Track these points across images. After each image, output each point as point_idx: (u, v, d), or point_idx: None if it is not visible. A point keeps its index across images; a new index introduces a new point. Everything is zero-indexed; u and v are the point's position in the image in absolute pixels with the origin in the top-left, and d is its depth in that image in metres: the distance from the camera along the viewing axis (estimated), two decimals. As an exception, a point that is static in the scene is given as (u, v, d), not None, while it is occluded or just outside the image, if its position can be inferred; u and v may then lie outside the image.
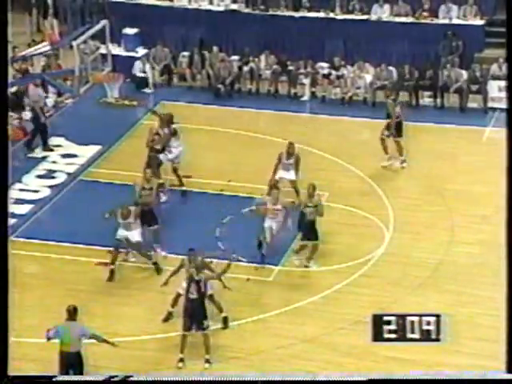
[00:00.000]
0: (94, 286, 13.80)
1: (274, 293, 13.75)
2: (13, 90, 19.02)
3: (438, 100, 20.32)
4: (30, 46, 20.82)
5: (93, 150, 18.31)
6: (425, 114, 19.83)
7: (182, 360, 12.13)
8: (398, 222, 15.19)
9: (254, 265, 14.37)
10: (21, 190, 16.72)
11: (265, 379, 9.70)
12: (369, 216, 15.61)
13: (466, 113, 20.04)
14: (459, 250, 14.76)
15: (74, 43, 16.95)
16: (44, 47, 18.82)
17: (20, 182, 16.97)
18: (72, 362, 10.75)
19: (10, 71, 17.70)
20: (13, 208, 14.66)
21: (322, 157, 16.84)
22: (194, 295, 12.22)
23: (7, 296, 9.28)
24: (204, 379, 9.49)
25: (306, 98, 20.83)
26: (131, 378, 9.69)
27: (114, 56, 21.79)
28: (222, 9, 22.23)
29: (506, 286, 10.00)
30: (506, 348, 9.70)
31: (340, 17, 21.65)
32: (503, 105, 19.92)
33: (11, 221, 14.26)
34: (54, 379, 9.39)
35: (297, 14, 21.86)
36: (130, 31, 22.20)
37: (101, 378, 9.66)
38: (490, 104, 19.99)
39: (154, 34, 21.95)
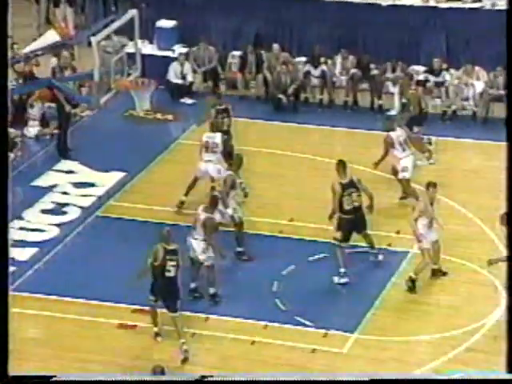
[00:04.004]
0: (113, 356, 13.88)
1: (347, 368, 13.68)
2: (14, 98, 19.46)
3: None
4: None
5: (115, 177, 18.53)
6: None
7: (157, 334, 14.15)
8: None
9: (323, 331, 14.38)
10: (21, 228, 16.92)
11: (265, 379, 10.28)
12: (479, 270, 15.55)
13: None
14: None
15: (94, 39, 17.20)
16: (51, 38, 18.81)
17: (20, 218, 17.15)
18: None
19: (10, 74, 18.04)
20: (11, 252, 14.90)
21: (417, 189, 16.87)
22: (170, 273, 13.68)
23: (7, 296, 10.09)
24: (205, 379, 10.35)
25: (394, 111, 20.88)
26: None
27: (144, 56, 22.14)
28: (285, -5, 22.49)
29: (506, 285, 11.04)
30: (506, 348, 10.71)
31: (442, 5, 21.69)
32: None
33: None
34: (53, 379, 10.18)
35: (384, 2, 21.98)
36: (165, 24, 22.56)
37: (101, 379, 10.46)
38: None
39: (195, 27, 22.28)
